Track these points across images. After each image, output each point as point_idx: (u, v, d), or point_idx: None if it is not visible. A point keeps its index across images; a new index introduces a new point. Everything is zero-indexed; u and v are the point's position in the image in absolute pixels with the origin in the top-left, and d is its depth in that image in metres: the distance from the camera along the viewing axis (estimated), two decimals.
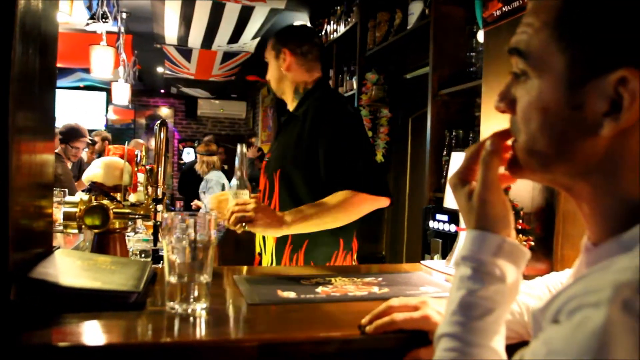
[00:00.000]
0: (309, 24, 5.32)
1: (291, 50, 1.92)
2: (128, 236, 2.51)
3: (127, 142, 2.08)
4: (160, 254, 2.47)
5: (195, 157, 5.55)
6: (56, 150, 4.46)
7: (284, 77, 1.96)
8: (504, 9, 1.80)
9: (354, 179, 1.70)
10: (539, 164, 0.70)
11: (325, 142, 1.76)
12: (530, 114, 0.69)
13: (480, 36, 2.41)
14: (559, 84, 0.65)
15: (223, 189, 5.24)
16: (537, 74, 0.68)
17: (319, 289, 1.29)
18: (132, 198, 1.92)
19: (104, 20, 3.76)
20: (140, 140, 6.56)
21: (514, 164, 0.75)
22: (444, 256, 2.29)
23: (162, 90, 10.19)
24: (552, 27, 0.66)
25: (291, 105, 1.99)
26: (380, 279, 1.44)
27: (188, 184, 5.93)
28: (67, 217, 1.60)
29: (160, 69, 8.21)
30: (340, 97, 2.18)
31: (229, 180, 5.38)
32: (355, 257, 1.96)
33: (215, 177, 5.41)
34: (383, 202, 1.75)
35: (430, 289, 1.36)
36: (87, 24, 3.85)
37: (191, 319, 1.02)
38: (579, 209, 0.72)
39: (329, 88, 2.09)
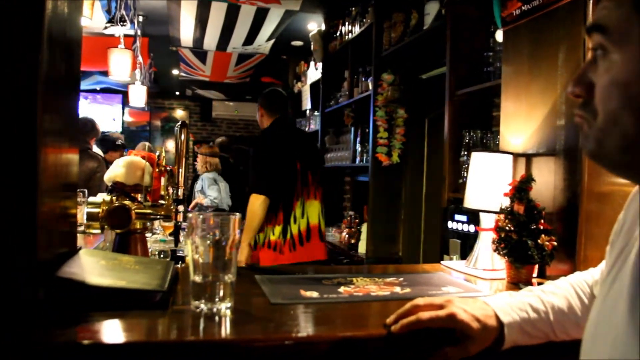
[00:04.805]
0: (323, 26, 5.34)
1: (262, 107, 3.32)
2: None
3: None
4: (179, 254, 2.49)
5: (196, 157, 5.80)
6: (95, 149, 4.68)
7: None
8: (523, 8, 1.79)
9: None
10: (619, 145, 0.67)
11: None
12: (610, 92, 0.67)
13: (498, 36, 2.39)
14: None
15: (216, 184, 5.64)
16: (618, 48, 0.67)
17: (341, 289, 1.29)
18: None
19: (122, 23, 3.79)
20: (147, 143, 6.64)
21: (588, 147, 0.72)
22: (463, 257, 2.28)
23: (177, 93, 10.26)
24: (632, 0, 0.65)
25: None
26: (401, 279, 1.44)
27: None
28: (90, 217, 1.61)
29: (175, 71, 8.27)
30: (266, 131, 3.25)
31: (225, 179, 5.61)
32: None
33: (212, 175, 5.64)
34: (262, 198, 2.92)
35: (452, 289, 1.36)
36: (106, 28, 3.88)
37: (216, 318, 1.02)
38: None
39: (269, 127, 3.25)
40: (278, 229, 2.99)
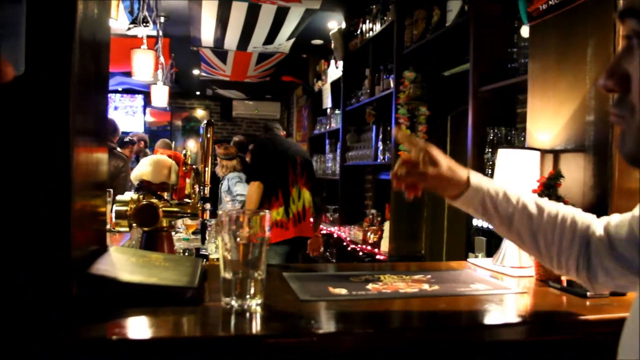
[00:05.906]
0: (344, 24, 5.34)
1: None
2: None
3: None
4: (202, 252, 2.51)
5: (216, 159, 5.63)
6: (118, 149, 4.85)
7: None
8: (550, 2, 1.77)
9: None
10: None
11: None
12: None
13: (523, 31, 2.37)
14: None
15: (242, 181, 5.33)
16: None
17: (369, 286, 1.29)
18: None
19: (144, 24, 3.83)
20: (168, 140, 6.69)
21: (627, 149, 0.64)
22: (488, 254, 2.26)
23: (198, 92, 10.33)
24: None
25: None
26: (429, 276, 1.43)
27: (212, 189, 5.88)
28: (119, 215, 1.63)
29: (196, 71, 8.33)
30: (262, 138, 4.15)
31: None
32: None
33: (236, 174, 5.33)
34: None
35: (480, 286, 1.35)
36: (129, 29, 3.93)
37: (247, 314, 1.03)
38: None
39: (266, 135, 4.17)
40: (281, 210, 3.72)
